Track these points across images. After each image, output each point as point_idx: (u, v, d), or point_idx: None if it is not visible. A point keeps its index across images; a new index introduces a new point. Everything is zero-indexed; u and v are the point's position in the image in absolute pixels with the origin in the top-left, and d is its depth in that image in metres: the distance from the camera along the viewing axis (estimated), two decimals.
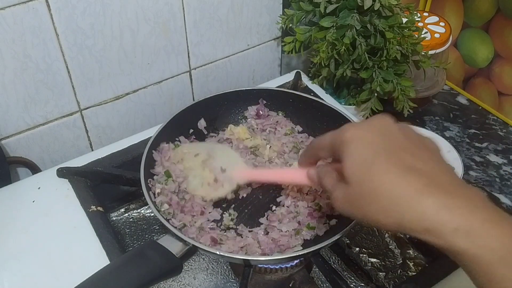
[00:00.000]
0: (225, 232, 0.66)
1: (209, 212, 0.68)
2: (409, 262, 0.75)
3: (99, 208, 0.72)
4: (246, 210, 0.70)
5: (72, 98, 0.83)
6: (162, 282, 0.71)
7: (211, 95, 0.79)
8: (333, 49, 0.84)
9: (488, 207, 0.42)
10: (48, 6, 0.72)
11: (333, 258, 0.76)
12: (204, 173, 0.70)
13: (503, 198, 0.89)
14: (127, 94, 0.89)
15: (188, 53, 0.91)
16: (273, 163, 0.75)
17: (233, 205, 0.70)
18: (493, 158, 0.97)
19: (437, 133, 1.00)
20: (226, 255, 0.60)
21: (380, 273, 0.74)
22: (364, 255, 0.76)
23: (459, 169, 0.90)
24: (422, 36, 0.88)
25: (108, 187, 0.78)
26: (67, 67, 0.79)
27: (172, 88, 0.94)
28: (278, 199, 0.70)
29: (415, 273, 0.72)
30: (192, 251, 0.60)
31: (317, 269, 0.71)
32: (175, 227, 0.62)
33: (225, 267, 0.74)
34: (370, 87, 0.87)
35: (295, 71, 0.96)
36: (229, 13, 0.91)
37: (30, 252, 0.67)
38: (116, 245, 0.67)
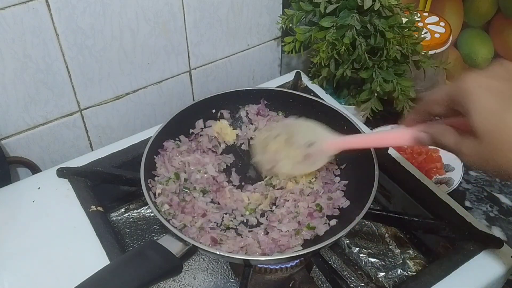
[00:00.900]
0: (225, 232, 0.66)
1: (212, 214, 0.68)
2: (409, 262, 0.75)
3: (99, 208, 0.72)
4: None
5: (72, 98, 0.83)
6: (162, 282, 0.71)
7: (211, 95, 0.79)
8: (333, 49, 0.84)
9: None
10: (48, 6, 0.72)
11: (333, 258, 0.76)
12: (291, 152, 0.67)
13: (503, 198, 0.89)
14: (127, 94, 0.89)
15: (188, 53, 0.91)
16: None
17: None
18: None
19: None
20: (226, 255, 0.60)
21: (380, 273, 0.74)
22: (364, 255, 0.76)
23: (459, 169, 0.90)
24: (422, 36, 0.88)
25: (108, 187, 0.78)
26: (67, 67, 0.79)
27: (172, 88, 0.94)
28: (277, 199, 0.70)
29: (415, 273, 0.72)
30: (192, 251, 0.60)
31: (317, 269, 0.71)
32: (175, 227, 0.62)
33: (225, 267, 0.74)
34: (370, 87, 0.87)
35: (295, 71, 0.96)
36: (229, 13, 0.91)
37: (30, 252, 0.67)
38: (116, 245, 0.67)
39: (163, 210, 0.66)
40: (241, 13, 0.92)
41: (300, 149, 0.67)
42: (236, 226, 0.68)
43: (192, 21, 0.87)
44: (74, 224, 0.70)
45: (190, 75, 0.95)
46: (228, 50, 0.96)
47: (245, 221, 0.69)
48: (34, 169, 0.85)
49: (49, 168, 0.79)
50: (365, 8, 0.80)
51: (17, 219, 0.71)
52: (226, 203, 0.70)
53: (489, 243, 0.67)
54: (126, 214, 0.83)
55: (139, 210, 0.84)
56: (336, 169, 0.75)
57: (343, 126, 0.75)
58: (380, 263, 0.75)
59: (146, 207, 0.84)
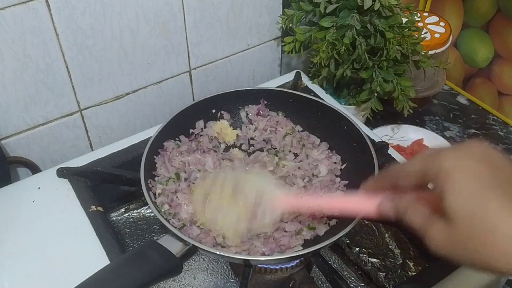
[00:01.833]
0: None
1: None
2: (409, 262, 0.75)
3: (99, 208, 0.72)
4: None
5: (72, 98, 0.83)
6: (162, 282, 0.71)
7: (211, 95, 0.79)
8: (333, 49, 0.84)
9: None
10: (48, 6, 0.72)
11: (333, 258, 0.76)
12: (237, 209, 0.62)
13: None
14: (127, 94, 0.89)
15: (188, 53, 0.91)
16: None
17: None
18: None
19: (437, 133, 1.00)
20: (226, 255, 0.60)
21: (380, 273, 0.74)
22: (364, 255, 0.76)
23: None
24: (422, 36, 0.88)
25: (108, 187, 0.78)
26: (67, 67, 0.79)
27: (172, 88, 0.94)
28: None
29: (415, 273, 0.72)
30: (192, 251, 0.60)
31: (317, 269, 0.71)
32: (175, 227, 0.62)
33: (225, 267, 0.74)
34: (370, 87, 0.87)
35: (295, 71, 0.96)
36: (229, 13, 0.91)
37: (30, 252, 0.67)
38: (116, 245, 0.67)
39: (163, 210, 0.66)
40: (241, 13, 0.92)
41: (246, 205, 0.62)
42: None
43: (192, 21, 0.87)
44: (74, 224, 0.70)
45: (190, 75, 0.95)
46: (228, 50, 0.96)
47: None
48: (34, 169, 0.85)
49: (49, 168, 0.79)
50: (365, 8, 0.80)
51: (17, 219, 0.71)
52: None
53: None
54: (126, 214, 0.83)
55: (139, 210, 0.84)
56: (336, 169, 0.75)
57: (343, 126, 0.75)
58: (380, 263, 0.75)
59: (146, 207, 0.84)
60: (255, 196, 0.62)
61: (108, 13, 0.77)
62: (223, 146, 0.79)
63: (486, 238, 0.39)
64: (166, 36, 0.86)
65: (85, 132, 0.89)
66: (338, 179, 0.73)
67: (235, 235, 0.63)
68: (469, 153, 0.42)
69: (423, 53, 0.89)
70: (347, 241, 0.77)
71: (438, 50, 0.97)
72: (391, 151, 0.80)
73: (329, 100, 0.91)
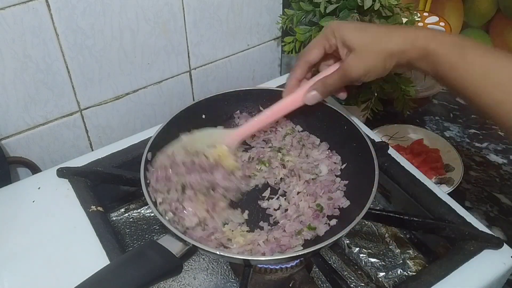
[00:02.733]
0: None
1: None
2: (409, 262, 0.75)
3: (99, 208, 0.72)
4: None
5: (72, 98, 0.83)
6: (162, 282, 0.71)
7: (211, 95, 0.79)
8: None
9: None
10: (48, 6, 0.72)
11: (333, 258, 0.76)
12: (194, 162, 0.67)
13: (503, 198, 0.89)
14: (127, 94, 0.89)
15: (188, 53, 0.91)
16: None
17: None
18: (493, 158, 0.97)
19: (437, 133, 1.00)
20: (226, 255, 0.60)
21: (380, 273, 0.74)
22: (364, 255, 0.76)
23: (459, 169, 0.90)
24: None
25: (108, 187, 0.78)
26: (67, 67, 0.79)
27: (172, 88, 0.94)
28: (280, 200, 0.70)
29: (415, 273, 0.72)
30: (192, 251, 0.60)
31: (317, 269, 0.71)
32: (176, 227, 0.62)
33: (225, 267, 0.74)
34: (370, 87, 0.87)
35: None
36: (229, 13, 0.91)
37: (30, 252, 0.67)
38: (116, 245, 0.67)
39: (167, 218, 0.65)
40: (241, 13, 0.92)
41: (204, 156, 0.68)
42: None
43: (192, 21, 0.87)
44: (74, 224, 0.70)
45: (190, 75, 0.95)
46: (228, 50, 0.96)
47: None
48: (34, 169, 0.85)
49: (49, 168, 0.79)
50: (365, 8, 0.80)
51: (17, 219, 0.71)
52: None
53: (489, 243, 0.67)
54: (126, 214, 0.83)
55: (139, 210, 0.84)
56: (336, 169, 0.75)
57: (343, 126, 0.75)
58: (380, 263, 0.75)
59: (146, 207, 0.84)
60: (206, 146, 0.69)
61: (108, 13, 0.77)
62: None
63: (376, 49, 0.62)
64: (166, 36, 0.86)
65: (85, 132, 0.89)
66: (339, 179, 0.73)
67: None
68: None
69: None
70: (347, 241, 0.77)
71: None
72: (391, 151, 0.80)
73: (329, 100, 0.91)
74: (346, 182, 0.72)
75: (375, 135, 0.84)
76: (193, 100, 0.98)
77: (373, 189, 0.63)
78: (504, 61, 0.56)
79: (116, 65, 0.84)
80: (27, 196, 0.75)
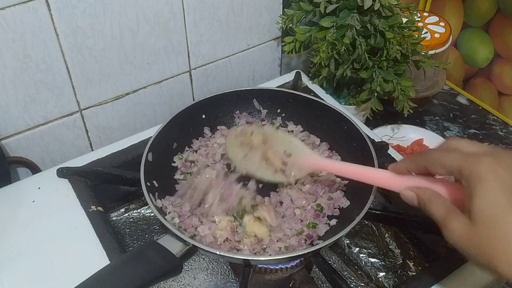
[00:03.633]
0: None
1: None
2: (409, 262, 0.75)
3: (99, 208, 0.72)
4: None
5: (72, 98, 0.83)
6: (162, 282, 0.71)
7: (211, 95, 0.79)
8: (333, 49, 0.84)
9: None
10: (48, 6, 0.72)
11: (333, 258, 0.76)
12: (270, 154, 0.65)
13: None
14: (127, 94, 0.89)
15: (188, 53, 0.91)
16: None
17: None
18: None
19: (437, 133, 1.00)
20: (226, 255, 0.60)
21: (380, 273, 0.74)
22: (364, 255, 0.76)
23: None
24: (422, 36, 0.88)
25: (108, 187, 0.78)
26: (67, 67, 0.79)
27: (172, 88, 0.94)
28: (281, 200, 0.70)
29: (415, 273, 0.72)
30: (192, 251, 0.60)
31: (317, 269, 0.71)
32: (175, 226, 0.62)
33: (225, 267, 0.74)
34: (370, 87, 0.87)
35: (295, 71, 0.96)
36: (229, 13, 0.91)
37: (30, 252, 0.67)
38: (116, 245, 0.67)
39: (175, 223, 0.66)
40: (241, 13, 0.92)
41: (277, 156, 0.66)
42: None
43: (192, 21, 0.87)
44: (74, 224, 0.70)
45: (190, 75, 0.95)
46: (228, 50, 0.96)
47: None
48: (34, 169, 0.85)
49: (49, 168, 0.79)
50: (365, 8, 0.80)
51: (17, 219, 0.71)
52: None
53: None
54: (126, 214, 0.84)
55: (139, 210, 0.84)
56: None
57: (343, 126, 0.75)
58: (380, 263, 0.75)
59: (146, 207, 0.84)
60: (283, 150, 0.66)
61: (108, 13, 0.77)
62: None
63: (503, 244, 0.42)
64: (166, 36, 0.86)
65: (85, 132, 0.89)
66: (339, 179, 0.73)
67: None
68: (506, 164, 0.45)
69: (423, 53, 0.89)
70: (347, 241, 0.77)
71: (438, 50, 0.97)
72: (391, 151, 0.80)
73: (329, 100, 0.91)
74: (346, 182, 0.72)
75: (375, 135, 0.84)
76: (193, 100, 0.98)
77: (373, 189, 0.63)
78: None
79: (116, 65, 0.84)
80: (27, 196, 0.75)
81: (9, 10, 0.69)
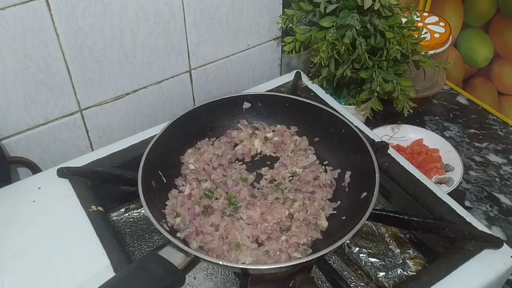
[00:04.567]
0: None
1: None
2: (409, 262, 0.75)
3: (99, 208, 0.72)
4: None
5: (72, 98, 0.83)
6: None
7: (208, 101, 0.79)
8: (333, 49, 0.84)
9: None
10: (48, 6, 0.72)
11: (333, 258, 0.76)
12: None
13: (503, 198, 0.89)
14: (127, 94, 0.89)
15: (188, 53, 0.91)
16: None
17: None
18: (493, 158, 0.98)
19: (437, 133, 1.00)
20: (229, 265, 0.59)
21: (380, 273, 0.74)
22: (364, 255, 0.76)
23: (459, 169, 0.90)
24: (422, 36, 0.88)
25: (108, 187, 0.78)
26: (67, 67, 0.79)
27: (172, 88, 0.94)
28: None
29: (415, 273, 0.72)
30: (194, 262, 0.59)
31: (317, 269, 0.71)
32: (175, 235, 0.62)
33: None
34: (370, 87, 0.87)
35: (295, 71, 0.96)
36: (229, 13, 0.91)
37: (30, 252, 0.67)
38: (116, 245, 0.67)
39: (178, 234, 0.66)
40: (241, 13, 0.92)
41: None
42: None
43: (192, 21, 0.87)
44: (74, 224, 0.70)
45: (190, 75, 0.95)
46: (228, 50, 0.96)
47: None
48: (35, 169, 0.85)
49: (49, 168, 0.79)
50: (365, 8, 0.80)
51: (17, 219, 0.71)
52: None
53: (489, 243, 0.67)
54: (126, 214, 0.84)
55: (139, 210, 0.84)
56: (336, 171, 0.75)
57: (341, 129, 0.75)
58: (380, 263, 0.75)
59: None
60: None
61: (108, 13, 0.77)
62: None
63: None
64: (166, 36, 0.86)
65: (85, 132, 0.89)
66: (339, 180, 0.73)
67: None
68: None
69: (423, 53, 0.89)
70: (347, 241, 0.77)
71: (438, 50, 0.97)
72: (391, 151, 0.80)
73: (329, 100, 0.91)
74: (346, 182, 0.72)
75: (375, 135, 0.84)
76: (193, 100, 0.98)
77: (375, 192, 0.63)
78: None
79: (116, 65, 0.84)
80: (27, 196, 0.75)
81: (9, 10, 0.69)
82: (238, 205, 0.69)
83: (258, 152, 0.80)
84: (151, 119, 0.95)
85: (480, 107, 1.09)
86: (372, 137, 0.82)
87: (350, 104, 0.97)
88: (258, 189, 0.73)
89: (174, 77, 0.93)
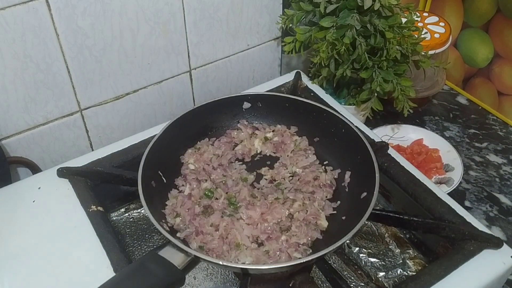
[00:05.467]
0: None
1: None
2: (409, 262, 0.75)
3: (99, 208, 0.72)
4: None
5: (72, 98, 0.83)
6: None
7: (207, 102, 0.79)
8: (333, 49, 0.84)
9: None
10: (48, 6, 0.72)
11: (333, 258, 0.76)
12: None
13: (502, 198, 0.89)
14: (127, 94, 0.89)
15: (188, 53, 0.91)
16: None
17: None
18: (493, 158, 0.98)
19: (437, 133, 1.00)
20: (229, 265, 0.59)
21: (380, 273, 0.74)
22: (364, 255, 0.76)
23: (459, 169, 0.90)
24: (422, 36, 0.88)
25: (108, 187, 0.78)
26: (67, 67, 0.79)
27: (172, 88, 0.94)
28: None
29: (415, 273, 0.72)
30: (194, 262, 0.59)
31: (317, 269, 0.71)
32: (177, 237, 0.62)
33: None
34: (370, 87, 0.87)
35: (295, 71, 0.96)
36: (229, 13, 0.91)
37: (30, 252, 0.67)
38: (116, 245, 0.67)
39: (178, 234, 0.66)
40: (241, 13, 0.92)
41: None
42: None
43: (192, 21, 0.87)
44: (74, 224, 0.70)
45: (190, 75, 0.95)
46: (228, 50, 0.96)
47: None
48: (34, 169, 0.85)
49: (49, 168, 0.79)
50: (365, 8, 0.80)
51: (17, 219, 0.71)
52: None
53: (489, 243, 0.67)
54: (126, 214, 0.84)
55: (139, 210, 0.84)
56: (336, 171, 0.75)
57: (341, 129, 0.75)
58: (380, 263, 0.75)
59: None
60: None
61: (108, 13, 0.77)
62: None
63: None
64: (166, 36, 0.86)
65: (85, 132, 0.89)
66: (339, 180, 0.73)
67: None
68: None
69: (423, 53, 0.89)
70: (347, 241, 0.77)
71: (438, 50, 0.97)
72: (391, 151, 0.80)
73: (329, 100, 0.91)
74: (346, 182, 0.72)
75: (375, 135, 0.84)
76: (193, 100, 0.98)
77: (375, 192, 0.63)
78: None
79: (116, 65, 0.84)
80: (27, 196, 0.75)
81: (9, 10, 0.69)
82: (238, 205, 0.69)
83: (258, 152, 0.80)
84: (151, 119, 0.95)
85: (480, 107, 1.09)
86: (372, 137, 0.82)
87: (350, 104, 0.97)
88: (258, 189, 0.73)
89: (174, 77, 0.93)
